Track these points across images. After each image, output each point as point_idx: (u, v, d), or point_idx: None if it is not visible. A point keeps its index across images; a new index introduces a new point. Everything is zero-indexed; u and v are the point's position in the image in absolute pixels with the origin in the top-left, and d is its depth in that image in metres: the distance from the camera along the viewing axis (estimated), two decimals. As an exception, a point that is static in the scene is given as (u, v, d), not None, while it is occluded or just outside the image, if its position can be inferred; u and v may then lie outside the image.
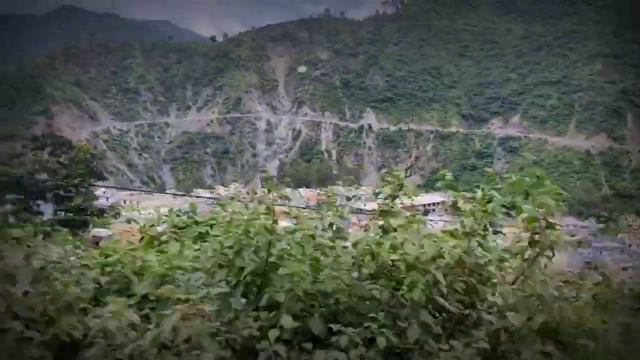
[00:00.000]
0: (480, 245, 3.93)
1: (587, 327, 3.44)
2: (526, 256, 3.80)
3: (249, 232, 3.71)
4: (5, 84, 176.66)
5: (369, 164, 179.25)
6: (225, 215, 4.55)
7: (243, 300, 3.42)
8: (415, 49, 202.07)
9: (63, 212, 39.26)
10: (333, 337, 3.20)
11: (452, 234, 4.06)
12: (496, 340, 3.39)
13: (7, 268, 3.21)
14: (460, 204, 4.33)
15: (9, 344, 2.81)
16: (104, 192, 69.21)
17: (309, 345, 3.18)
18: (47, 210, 42.53)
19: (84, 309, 3.19)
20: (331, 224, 4.23)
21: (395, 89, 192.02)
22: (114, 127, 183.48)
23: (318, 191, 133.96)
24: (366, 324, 3.25)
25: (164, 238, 4.90)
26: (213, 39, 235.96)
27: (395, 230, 4.06)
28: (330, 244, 3.93)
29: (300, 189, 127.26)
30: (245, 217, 3.85)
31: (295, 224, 4.18)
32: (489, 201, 4.13)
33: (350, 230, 4.45)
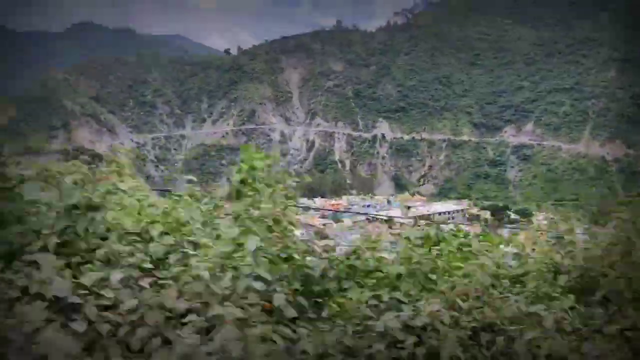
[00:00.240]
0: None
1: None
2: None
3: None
4: (26, 99, 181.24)
5: (383, 173, 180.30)
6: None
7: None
8: (426, 58, 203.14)
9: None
10: None
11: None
12: None
13: None
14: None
15: None
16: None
17: None
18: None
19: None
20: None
21: (407, 98, 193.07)
22: (132, 140, 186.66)
23: (333, 201, 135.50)
24: None
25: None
26: (227, 52, 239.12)
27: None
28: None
29: (315, 199, 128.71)
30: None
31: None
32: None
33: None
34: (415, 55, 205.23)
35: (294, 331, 3.34)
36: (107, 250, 3.38)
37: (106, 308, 2.94)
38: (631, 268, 4.66)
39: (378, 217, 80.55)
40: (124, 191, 4.23)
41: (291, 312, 3.40)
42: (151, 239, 3.70)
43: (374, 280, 4.43)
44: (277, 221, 3.99)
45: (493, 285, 4.25)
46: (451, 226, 5.89)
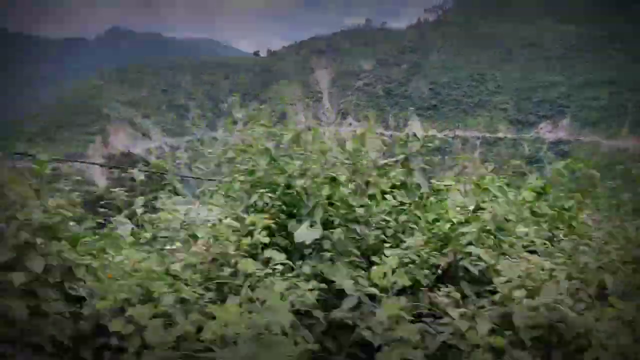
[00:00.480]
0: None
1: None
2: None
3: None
4: (62, 106, 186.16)
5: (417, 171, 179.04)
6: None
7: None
8: (458, 55, 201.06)
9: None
10: None
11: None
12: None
13: None
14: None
15: None
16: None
17: None
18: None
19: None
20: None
21: (439, 96, 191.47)
22: (166, 144, 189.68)
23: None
24: None
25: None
26: (257, 54, 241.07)
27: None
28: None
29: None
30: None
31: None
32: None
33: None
34: (447, 52, 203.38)
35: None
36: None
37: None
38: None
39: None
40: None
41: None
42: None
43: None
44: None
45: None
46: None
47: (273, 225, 4.71)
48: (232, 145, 5.71)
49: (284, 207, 5.18)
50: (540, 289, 3.91)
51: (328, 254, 4.66)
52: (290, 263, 4.32)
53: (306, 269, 4.46)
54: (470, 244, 4.75)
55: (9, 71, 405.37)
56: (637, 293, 4.36)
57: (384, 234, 5.32)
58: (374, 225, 5.33)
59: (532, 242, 5.29)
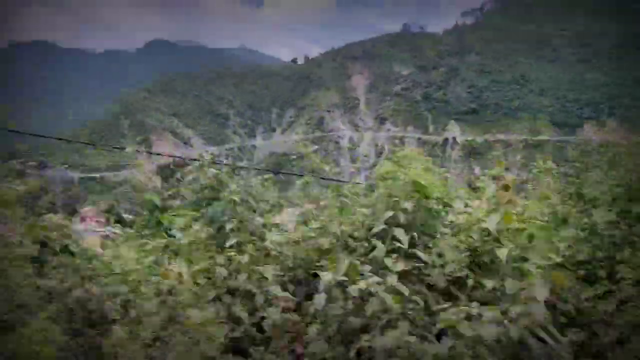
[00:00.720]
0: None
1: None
2: None
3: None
4: (108, 117, 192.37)
5: (455, 176, 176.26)
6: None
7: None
8: (498, 58, 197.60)
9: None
10: None
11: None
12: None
13: None
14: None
15: None
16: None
17: None
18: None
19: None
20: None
21: (479, 99, 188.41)
22: (207, 152, 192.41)
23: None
24: None
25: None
26: (294, 61, 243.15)
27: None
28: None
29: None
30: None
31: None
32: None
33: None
34: (487, 55, 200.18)
35: None
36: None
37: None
38: None
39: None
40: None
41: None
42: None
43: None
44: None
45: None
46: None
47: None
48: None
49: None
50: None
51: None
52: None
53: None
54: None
55: (57, 85, 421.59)
56: None
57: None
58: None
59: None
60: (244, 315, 5.69)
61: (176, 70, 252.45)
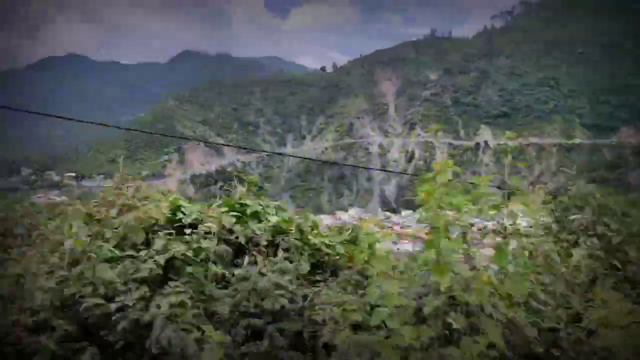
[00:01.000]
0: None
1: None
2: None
3: None
4: (142, 127, 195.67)
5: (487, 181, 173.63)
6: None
7: None
8: (529, 60, 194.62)
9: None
10: None
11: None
12: None
13: None
14: None
15: None
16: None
17: None
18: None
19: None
20: None
21: (510, 103, 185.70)
22: (238, 160, 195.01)
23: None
24: None
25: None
26: (323, 69, 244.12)
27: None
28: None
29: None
30: None
31: None
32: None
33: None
34: (517, 57, 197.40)
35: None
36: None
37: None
38: None
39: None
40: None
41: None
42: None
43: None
44: None
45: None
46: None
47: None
48: None
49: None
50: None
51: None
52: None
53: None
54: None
55: (91, 95, 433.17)
56: None
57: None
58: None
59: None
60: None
61: (206, 80, 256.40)
